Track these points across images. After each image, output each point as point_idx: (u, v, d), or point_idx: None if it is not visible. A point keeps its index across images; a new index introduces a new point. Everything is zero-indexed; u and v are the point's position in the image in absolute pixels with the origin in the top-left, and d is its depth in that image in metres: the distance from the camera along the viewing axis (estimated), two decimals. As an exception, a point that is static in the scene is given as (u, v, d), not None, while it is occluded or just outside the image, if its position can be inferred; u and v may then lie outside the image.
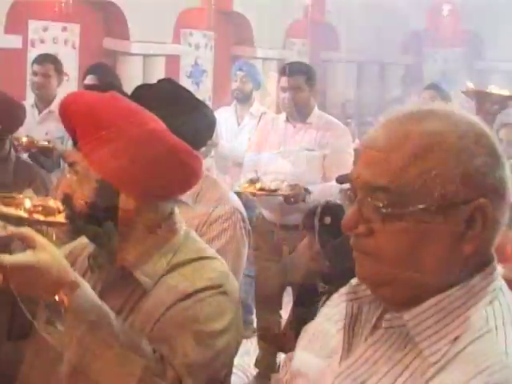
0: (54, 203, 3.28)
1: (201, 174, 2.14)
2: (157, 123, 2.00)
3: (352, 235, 1.44)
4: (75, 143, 2.01)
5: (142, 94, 2.73)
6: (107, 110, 1.98)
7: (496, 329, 1.36)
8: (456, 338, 1.35)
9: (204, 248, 2.17)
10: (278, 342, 4.21)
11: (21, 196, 3.37)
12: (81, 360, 1.83)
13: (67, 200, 2.02)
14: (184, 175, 2.06)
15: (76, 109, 1.99)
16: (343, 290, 1.67)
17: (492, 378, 1.27)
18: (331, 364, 1.52)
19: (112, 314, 1.88)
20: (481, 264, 1.43)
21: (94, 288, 2.04)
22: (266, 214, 5.66)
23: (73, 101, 2.03)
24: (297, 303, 4.25)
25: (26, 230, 1.81)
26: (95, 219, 2.01)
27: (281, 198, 5.34)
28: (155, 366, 1.86)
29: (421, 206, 1.34)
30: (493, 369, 1.28)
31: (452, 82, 12.21)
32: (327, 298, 3.72)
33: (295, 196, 5.20)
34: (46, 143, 5.41)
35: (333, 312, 1.66)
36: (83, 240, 2.20)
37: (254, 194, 5.34)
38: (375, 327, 1.49)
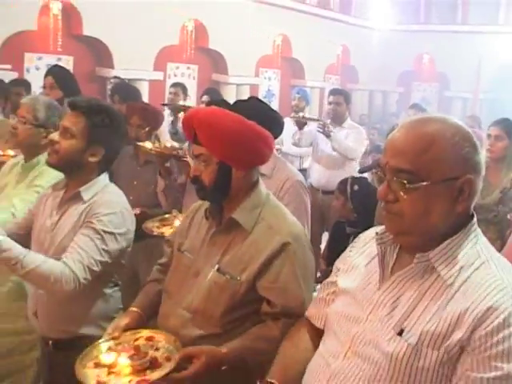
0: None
1: (273, 149, 2.07)
2: (248, 121, 1.93)
3: (383, 202, 1.40)
4: (195, 141, 1.94)
5: (240, 105, 2.69)
6: (218, 117, 1.92)
7: (488, 261, 1.35)
8: (461, 268, 1.34)
9: (279, 204, 2.08)
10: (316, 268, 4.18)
11: (168, 216, 3.25)
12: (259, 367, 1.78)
13: (197, 179, 1.95)
14: (267, 150, 1.98)
15: (198, 118, 1.92)
16: (367, 235, 1.63)
17: (496, 297, 1.26)
18: (370, 286, 1.47)
19: (247, 342, 1.84)
20: (467, 218, 1.40)
21: (208, 229, 2.02)
22: (313, 183, 5.56)
23: (194, 114, 1.96)
24: (330, 241, 4.17)
25: (186, 352, 1.74)
26: (215, 188, 1.94)
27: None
28: (287, 325, 1.82)
29: (430, 182, 1.32)
30: (495, 291, 1.28)
31: (428, 104, 12.12)
32: (353, 238, 3.66)
33: (324, 125, 5.25)
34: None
35: (360, 250, 1.60)
36: (199, 201, 2.14)
37: None
38: (396, 262, 1.45)
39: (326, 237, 5.44)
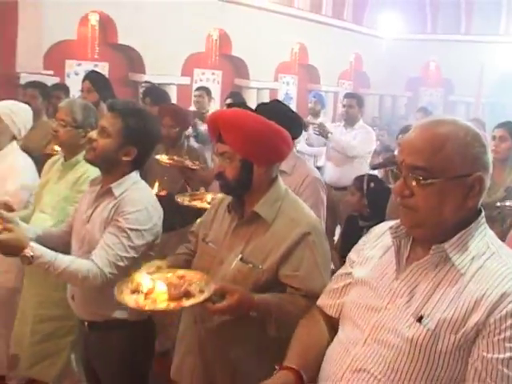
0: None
1: (291, 147, 2.04)
2: (268, 120, 1.91)
3: (399, 197, 1.37)
4: (219, 140, 1.92)
5: (262, 107, 2.66)
6: (241, 117, 1.91)
7: (497, 251, 1.34)
8: (473, 258, 1.32)
9: (297, 198, 2.04)
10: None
11: (199, 192, 3.24)
12: (277, 326, 1.80)
13: (221, 175, 1.93)
14: (285, 148, 1.96)
15: (222, 119, 1.92)
16: (380, 229, 1.59)
17: (508, 284, 1.26)
18: (387, 277, 1.43)
19: (275, 299, 1.83)
20: (475, 213, 1.38)
21: (231, 222, 2.00)
22: (326, 180, 5.48)
23: (219, 115, 1.96)
24: (344, 234, 4.10)
25: (223, 286, 1.74)
26: (238, 184, 1.92)
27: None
28: (311, 302, 1.78)
29: (443, 178, 1.30)
30: (507, 278, 1.27)
31: (434, 108, 12.03)
32: (366, 230, 3.61)
33: (320, 127, 5.16)
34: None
35: (375, 244, 1.55)
36: (222, 195, 2.12)
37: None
38: (410, 254, 1.42)
39: (337, 230, 5.39)
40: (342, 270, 1.63)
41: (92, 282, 2.08)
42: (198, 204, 3.04)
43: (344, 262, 1.66)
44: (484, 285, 1.27)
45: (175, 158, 3.64)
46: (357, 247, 1.63)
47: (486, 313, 1.24)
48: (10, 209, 2.96)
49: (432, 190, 1.30)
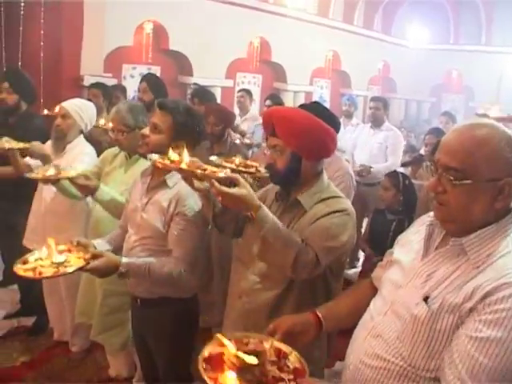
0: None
1: (336, 144, 1.99)
2: (317, 119, 1.89)
3: (433, 192, 1.33)
4: (272, 134, 1.89)
5: (304, 108, 2.61)
6: (294, 114, 1.89)
7: None
8: (489, 255, 1.26)
9: (337, 191, 2.01)
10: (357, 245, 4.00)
11: (232, 158, 3.21)
12: (263, 245, 1.75)
13: (271, 166, 1.92)
14: (332, 145, 1.93)
15: (276, 114, 1.90)
16: (424, 218, 1.54)
17: (510, 280, 1.19)
18: (416, 260, 1.42)
19: (278, 221, 1.77)
20: (505, 213, 1.31)
21: (277, 210, 1.98)
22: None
23: (274, 111, 1.94)
24: (371, 226, 4.01)
25: (236, 175, 1.71)
26: (287, 174, 1.90)
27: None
28: (304, 247, 1.78)
29: (474, 180, 1.25)
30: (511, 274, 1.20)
31: (456, 113, 11.74)
32: (396, 223, 3.51)
33: (364, 171, 4.90)
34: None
35: (416, 230, 1.52)
36: (266, 187, 2.12)
37: None
38: (440, 242, 1.39)
39: (364, 222, 5.27)
40: (391, 249, 1.64)
41: (180, 276, 2.12)
42: (228, 165, 3.03)
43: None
44: (487, 276, 1.22)
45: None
46: (406, 231, 1.62)
47: (481, 297, 1.20)
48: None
49: (462, 190, 1.26)
